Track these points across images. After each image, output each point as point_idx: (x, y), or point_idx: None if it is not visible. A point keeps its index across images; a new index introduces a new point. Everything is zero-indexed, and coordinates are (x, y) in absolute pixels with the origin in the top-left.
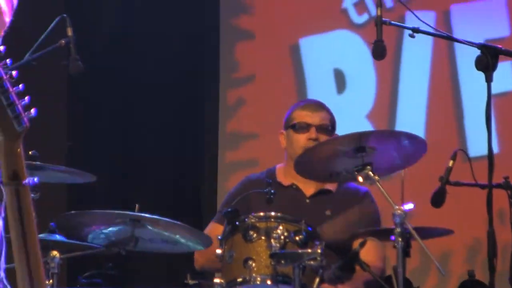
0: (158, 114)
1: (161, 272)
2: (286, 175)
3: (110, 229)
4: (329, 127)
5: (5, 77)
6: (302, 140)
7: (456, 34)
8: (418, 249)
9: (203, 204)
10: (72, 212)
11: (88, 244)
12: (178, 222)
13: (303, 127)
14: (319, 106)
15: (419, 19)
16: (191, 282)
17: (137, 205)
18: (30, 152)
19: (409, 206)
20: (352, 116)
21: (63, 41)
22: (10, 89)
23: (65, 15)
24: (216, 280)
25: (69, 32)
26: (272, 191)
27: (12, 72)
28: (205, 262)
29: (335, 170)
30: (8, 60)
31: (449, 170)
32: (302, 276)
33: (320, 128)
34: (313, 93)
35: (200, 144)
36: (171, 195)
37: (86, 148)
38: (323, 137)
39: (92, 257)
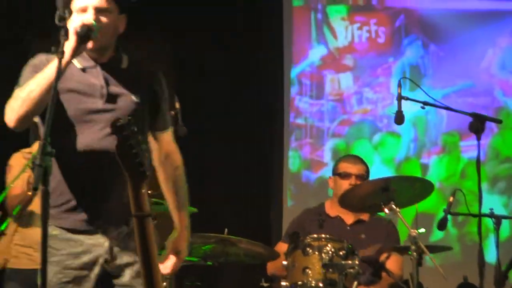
0: (236, 160)
1: (243, 277)
2: (332, 209)
3: (207, 246)
4: (364, 175)
5: (131, 132)
6: (345, 185)
7: None
8: (428, 260)
9: (273, 227)
10: None
11: (191, 258)
12: (256, 242)
13: (346, 175)
14: (358, 160)
15: (428, 95)
16: (265, 284)
17: (226, 229)
18: (149, 191)
19: (421, 230)
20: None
21: (173, 112)
22: (134, 141)
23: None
24: (283, 283)
25: (177, 105)
26: (323, 219)
27: (135, 128)
28: (274, 270)
29: (368, 204)
30: (131, 118)
31: (450, 203)
32: (344, 280)
33: (358, 177)
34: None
35: (269, 185)
36: (250, 220)
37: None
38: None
39: (194, 267)
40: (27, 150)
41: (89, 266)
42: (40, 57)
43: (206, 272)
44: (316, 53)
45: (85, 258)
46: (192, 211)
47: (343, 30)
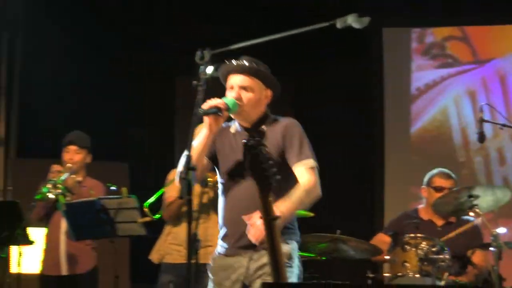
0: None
1: (352, 269)
2: (425, 213)
3: (322, 244)
4: (454, 188)
5: (259, 151)
6: (438, 196)
7: None
8: (507, 255)
9: (376, 226)
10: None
11: (309, 254)
12: (362, 240)
13: (441, 189)
14: (449, 176)
15: (502, 115)
16: (370, 275)
17: (338, 231)
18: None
19: (502, 229)
20: None
21: None
22: (263, 157)
23: None
24: (386, 274)
25: None
26: (418, 222)
27: (265, 148)
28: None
29: (456, 209)
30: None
31: None
32: (437, 271)
33: (449, 189)
34: None
35: (371, 187)
36: (358, 220)
37: None
38: None
39: (311, 261)
40: None
41: (235, 282)
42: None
43: (322, 266)
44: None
45: (233, 277)
46: (310, 215)
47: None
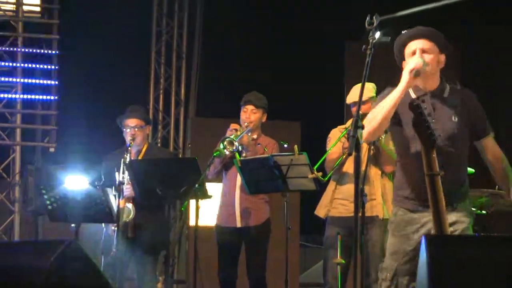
0: None
1: (510, 223)
2: None
3: (482, 198)
4: None
5: (423, 110)
6: None
7: None
8: None
9: None
10: None
11: None
12: None
13: None
14: None
15: None
16: None
17: (497, 186)
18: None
19: None
20: None
21: None
22: (426, 116)
23: None
24: None
25: None
26: None
27: (425, 105)
28: None
29: None
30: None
31: None
32: None
33: None
34: None
35: None
36: None
37: None
38: None
39: None
40: (342, 126)
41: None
42: (388, 90)
43: (480, 219)
44: None
45: (422, 231)
46: (471, 172)
47: None
